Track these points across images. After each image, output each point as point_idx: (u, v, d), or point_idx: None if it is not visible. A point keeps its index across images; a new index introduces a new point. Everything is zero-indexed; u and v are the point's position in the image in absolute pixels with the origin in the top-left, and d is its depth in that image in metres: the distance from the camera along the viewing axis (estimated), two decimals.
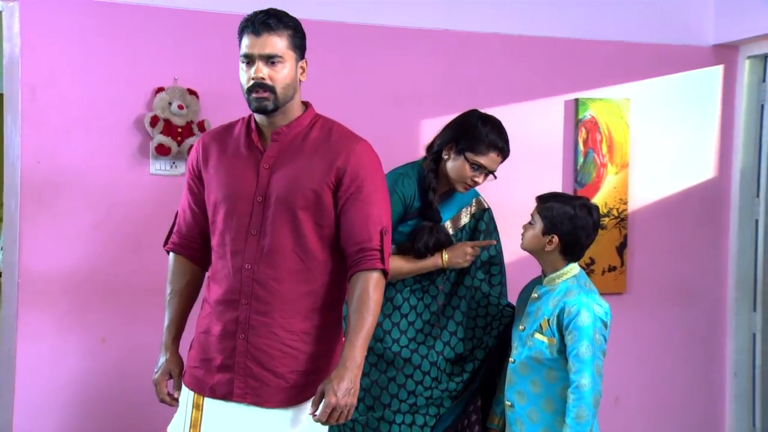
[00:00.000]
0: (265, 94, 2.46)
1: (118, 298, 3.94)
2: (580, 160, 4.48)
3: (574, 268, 2.88)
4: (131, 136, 3.93)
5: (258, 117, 2.56)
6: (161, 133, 3.85)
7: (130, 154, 3.93)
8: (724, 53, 4.72)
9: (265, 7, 2.54)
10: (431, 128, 4.30)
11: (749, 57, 4.70)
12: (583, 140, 4.48)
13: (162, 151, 3.85)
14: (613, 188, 4.53)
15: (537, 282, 2.98)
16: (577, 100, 4.45)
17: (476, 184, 3.05)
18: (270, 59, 2.46)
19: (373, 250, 2.50)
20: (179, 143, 3.86)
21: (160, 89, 3.90)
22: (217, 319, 2.55)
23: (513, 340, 2.94)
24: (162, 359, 2.68)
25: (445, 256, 3.03)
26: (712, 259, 4.76)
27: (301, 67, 2.54)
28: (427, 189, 3.04)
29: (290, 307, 2.51)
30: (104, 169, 3.91)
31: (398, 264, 3.00)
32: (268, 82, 2.45)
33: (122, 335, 3.96)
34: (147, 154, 3.94)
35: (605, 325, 2.76)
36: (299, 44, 2.53)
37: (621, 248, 4.56)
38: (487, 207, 3.22)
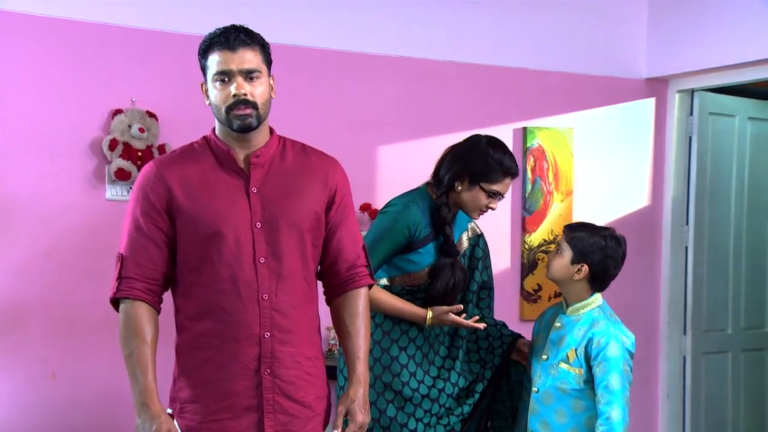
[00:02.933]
0: (248, 111, 2.34)
1: (70, 331, 3.74)
2: (528, 187, 4.57)
3: (597, 299, 2.90)
4: (86, 159, 3.75)
5: (229, 137, 2.40)
6: (120, 157, 3.69)
7: (84, 178, 3.75)
8: (656, 87, 4.92)
9: (223, 26, 2.44)
10: (389, 154, 4.33)
11: (679, 91, 4.91)
12: (531, 168, 4.57)
13: (122, 176, 3.68)
14: (558, 216, 4.63)
15: (557, 311, 2.99)
16: (525, 128, 4.54)
17: (492, 209, 3.05)
18: (249, 74, 2.34)
19: (362, 267, 2.53)
20: (139, 168, 3.70)
21: (118, 111, 3.74)
22: (227, 360, 2.36)
23: (534, 369, 2.93)
24: (153, 426, 2.28)
25: (429, 315, 2.99)
26: (646, 284, 4.93)
27: (271, 84, 2.45)
28: (443, 223, 3.00)
29: (305, 333, 2.44)
30: (56, 194, 3.71)
31: (385, 298, 2.96)
32: (251, 98, 2.34)
33: (74, 370, 3.74)
34: (103, 178, 3.76)
35: (631, 355, 2.80)
36: (269, 60, 2.44)
37: None
38: (480, 233, 3.21)
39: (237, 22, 3.89)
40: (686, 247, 4.94)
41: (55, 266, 3.71)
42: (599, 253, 2.83)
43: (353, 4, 4.25)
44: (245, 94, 2.33)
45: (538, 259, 4.60)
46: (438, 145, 4.38)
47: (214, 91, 2.37)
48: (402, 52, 4.32)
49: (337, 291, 2.52)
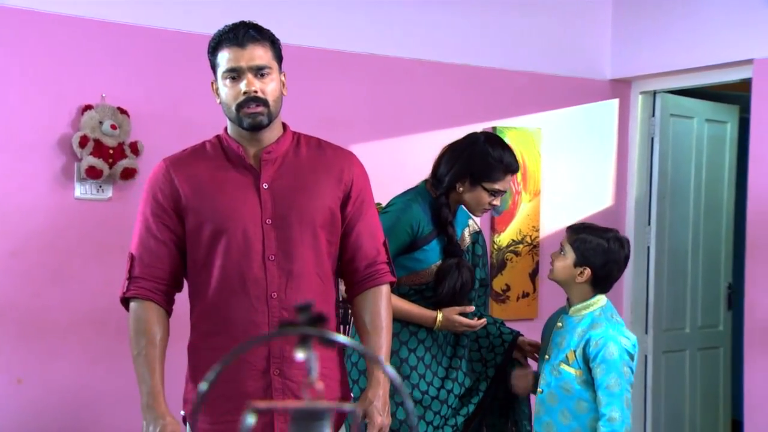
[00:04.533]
0: (259, 109, 2.30)
1: (37, 334, 3.59)
2: None
3: (601, 300, 2.89)
4: (54, 157, 3.61)
5: (240, 135, 2.37)
6: (91, 154, 3.56)
7: (52, 176, 3.61)
8: (620, 88, 4.97)
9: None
10: (359, 152, 4.23)
11: (641, 92, 4.97)
12: None
13: (93, 173, 3.55)
14: (526, 216, 4.64)
15: (562, 311, 2.98)
16: (494, 128, 4.53)
17: (495, 206, 3.04)
18: (260, 71, 2.30)
19: (382, 264, 2.48)
20: (111, 165, 3.58)
21: (88, 107, 3.60)
22: (237, 361, 2.31)
23: (539, 370, 2.92)
24: (157, 427, 2.24)
25: (439, 317, 2.97)
26: None
27: (282, 81, 2.41)
28: (446, 224, 2.97)
29: None
30: (23, 193, 3.56)
31: (393, 301, 2.91)
32: (261, 95, 2.30)
33: (40, 375, 3.60)
34: (71, 176, 3.62)
35: (632, 357, 2.80)
36: (280, 55, 2.40)
37: (533, 275, 4.67)
38: (479, 229, 3.21)
39: (206, 17, 3.86)
40: (648, 247, 5.00)
41: (21, 267, 3.56)
42: (602, 256, 2.83)
43: (322, 1, 4.18)
44: (255, 92, 2.28)
45: (507, 259, 4.60)
46: (408, 144, 4.39)
47: (224, 89, 2.32)
48: (371, 49, 4.27)
49: (357, 289, 2.46)
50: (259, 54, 2.30)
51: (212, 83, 2.39)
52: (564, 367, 2.83)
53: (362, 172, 2.48)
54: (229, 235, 2.30)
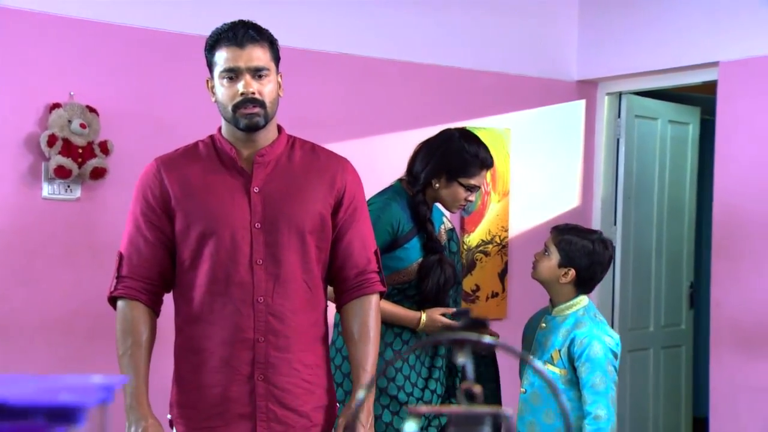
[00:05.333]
0: (256, 110, 2.27)
1: (3, 338, 3.50)
2: None
3: (583, 300, 2.91)
4: (20, 156, 3.52)
5: (234, 136, 2.34)
6: (60, 153, 3.48)
7: (18, 176, 3.52)
8: (586, 89, 5.00)
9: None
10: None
11: (607, 94, 5.01)
12: None
13: (62, 173, 3.48)
14: (495, 216, 4.65)
15: (545, 312, 2.98)
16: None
17: (470, 202, 3.05)
18: (258, 72, 2.28)
19: (373, 273, 2.45)
20: (80, 165, 3.51)
21: (56, 105, 3.53)
22: (220, 365, 2.29)
23: (522, 370, 2.92)
24: (138, 429, 2.24)
25: (423, 318, 2.96)
26: None
27: (279, 82, 2.38)
28: (424, 220, 2.97)
29: (304, 339, 2.36)
30: None
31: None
32: (258, 96, 2.27)
33: None
34: (39, 176, 3.54)
35: (615, 356, 2.82)
36: (278, 56, 2.38)
37: (503, 275, 4.68)
38: (452, 226, 3.21)
39: (177, 15, 3.80)
40: (614, 248, 5.04)
41: None
42: (587, 258, 2.85)
43: (294, 0, 4.15)
44: (253, 93, 2.26)
45: (477, 259, 4.60)
46: (379, 143, 4.37)
47: (221, 89, 2.29)
48: (342, 49, 4.24)
49: (346, 297, 2.44)
50: (258, 55, 2.28)
51: (207, 81, 2.36)
52: (548, 366, 2.84)
53: (355, 178, 2.46)
54: (217, 237, 2.28)
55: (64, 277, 3.59)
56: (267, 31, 2.35)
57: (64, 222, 3.58)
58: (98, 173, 3.56)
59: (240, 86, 2.26)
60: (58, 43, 3.60)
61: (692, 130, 5.45)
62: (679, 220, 5.40)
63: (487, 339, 1.03)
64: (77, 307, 3.60)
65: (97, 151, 3.57)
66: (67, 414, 0.92)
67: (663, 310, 5.34)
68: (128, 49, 3.72)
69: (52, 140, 3.47)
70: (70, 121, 3.51)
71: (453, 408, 1.00)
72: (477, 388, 1.00)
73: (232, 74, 2.27)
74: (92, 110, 3.58)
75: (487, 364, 3.15)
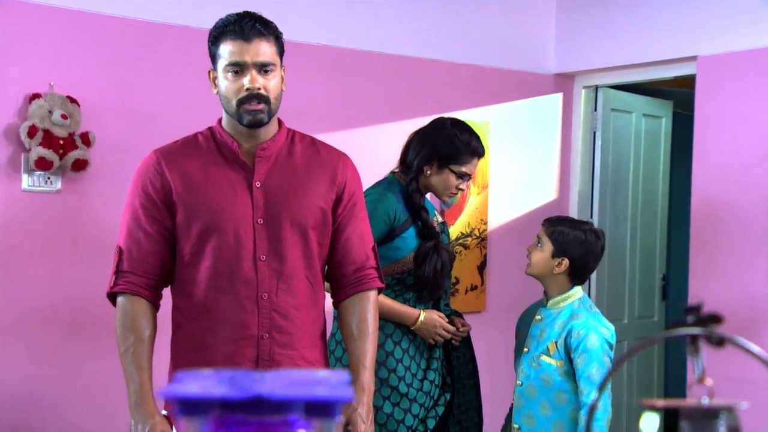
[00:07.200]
0: (260, 106, 2.24)
1: None
2: None
3: (578, 291, 2.92)
4: None
5: (235, 130, 2.31)
6: (41, 145, 3.41)
7: None
8: (563, 82, 5.02)
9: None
10: None
11: (584, 87, 5.03)
12: None
13: (43, 165, 3.41)
14: (475, 209, 4.65)
15: (539, 304, 2.99)
16: None
17: (461, 190, 3.07)
18: (264, 67, 2.25)
19: (371, 269, 2.44)
20: (61, 156, 3.44)
21: (36, 96, 3.45)
22: (223, 362, 2.25)
23: (518, 363, 2.93)
24: (146, 427, 2.19)
25: (422, 317, 2.96)
26: None
27: (282, 76, 2.35)
28: (418, 208, 2.99)
29: (307, 336, 2.34)
30: None
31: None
32: (264, 92, 2.24)
33: None
34: (18, 167, 3.47)
35: (611, 347, 2.83)
36: (282, 50, 2.35)
37: (481, 268, 4.69)
38: (443, 220, 3.23)
39: (158, 4, 3.74)
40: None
41: None
42: (580, 247, 2.87)
43: None
44: (259, 88, 2.22)
45: (456, 252, 4.60)
46: (358, 136, 4.34)
47: (225, 82, 2.25)
48: (322, 40, 4.20)
49: (344, 293, 2.42)
50: (264, 50, 2.24)
51: (209, 72, 2.33)
52: (544, 358, 2.85)
53: (355, 174, 2.45)
54: (220, 233, 2.24)
55: (43, 271, 3.52)
56: (273, 24, 2.31)
57: (44, 215, 3.52)
58: (80, 165, 3.49)
59: (245, 81, 2.23)
60: (37, 32, 3.52)
61: (665, 124, 5.50)
62: (652, 213, 5.45)
63: (727, 335, 1.00)
64: (56, 302, 3.54)
65: (79, 142, 3.50)
66: (325, 408, 0.92)
67: (637, 302, 5.39)
68: (110, 39, 3.65)
69: (32, 131, 3.39)
70: (50, 112, 3.44)
71: (688, 401, 0.95)
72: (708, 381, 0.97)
73: (238, 68, 2.23)
74: (73, 101, 3.51)
75: (466, 359, 3.16)
